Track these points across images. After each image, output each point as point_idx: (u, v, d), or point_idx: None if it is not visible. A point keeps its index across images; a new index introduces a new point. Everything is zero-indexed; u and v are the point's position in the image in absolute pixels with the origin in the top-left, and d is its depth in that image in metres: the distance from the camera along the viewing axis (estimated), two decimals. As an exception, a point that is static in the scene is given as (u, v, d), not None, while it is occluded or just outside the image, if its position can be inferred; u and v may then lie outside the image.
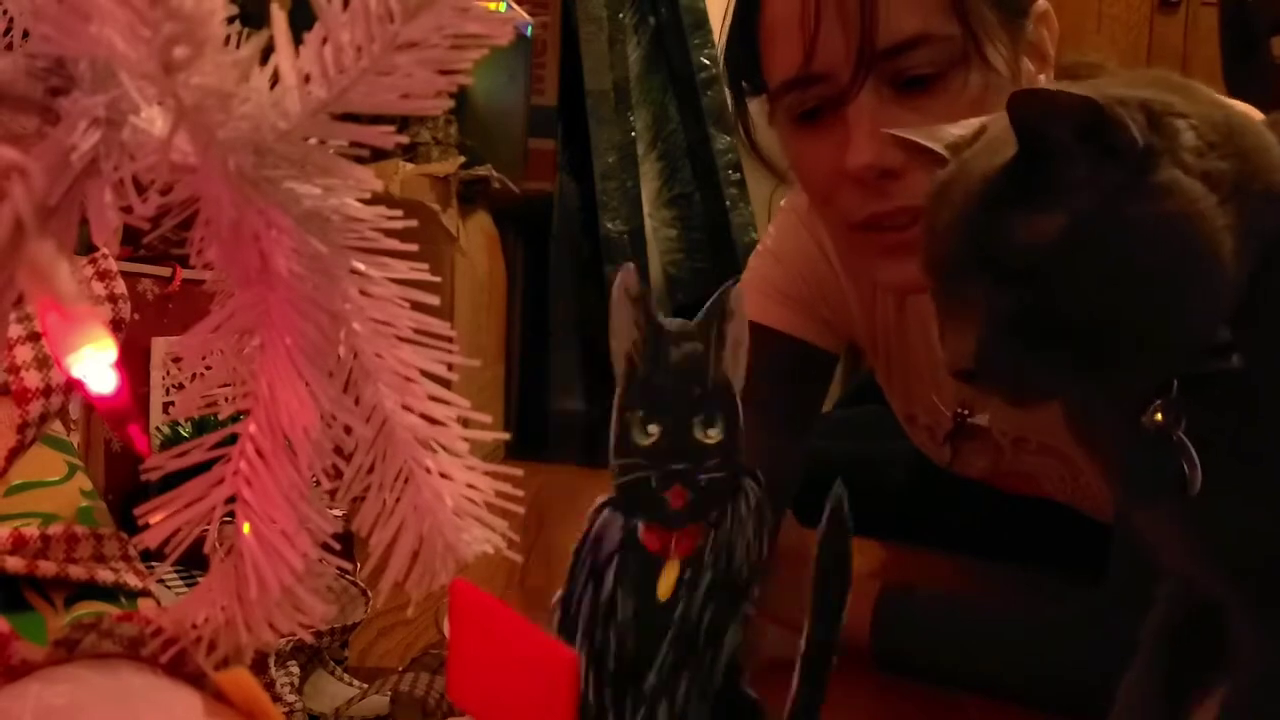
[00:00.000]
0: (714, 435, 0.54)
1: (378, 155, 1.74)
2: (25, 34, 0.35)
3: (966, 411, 1.17)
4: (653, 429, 0.52)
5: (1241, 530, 0.67)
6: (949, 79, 0.88)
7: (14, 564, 0.48)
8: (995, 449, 1.19)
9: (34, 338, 0.51)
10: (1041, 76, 0.94)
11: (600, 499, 0.50)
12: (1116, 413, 0.70)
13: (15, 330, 0.51)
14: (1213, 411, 0.66)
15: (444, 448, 0.39)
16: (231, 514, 0.38)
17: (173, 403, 1.15)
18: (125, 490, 1.10)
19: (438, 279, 0.36)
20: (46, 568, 0.49)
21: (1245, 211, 0.63)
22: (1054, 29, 0.95)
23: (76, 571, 0.50)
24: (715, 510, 0.55)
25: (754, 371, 1.19)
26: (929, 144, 0.71)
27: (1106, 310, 0.63)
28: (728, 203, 2.50)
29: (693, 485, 0.54)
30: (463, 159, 1.97)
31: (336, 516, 0.39)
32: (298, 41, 0.35)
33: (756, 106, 1.03)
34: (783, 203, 1.19)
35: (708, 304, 0.55)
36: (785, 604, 1.13)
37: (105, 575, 0.51)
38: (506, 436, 0.42)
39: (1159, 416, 0.66)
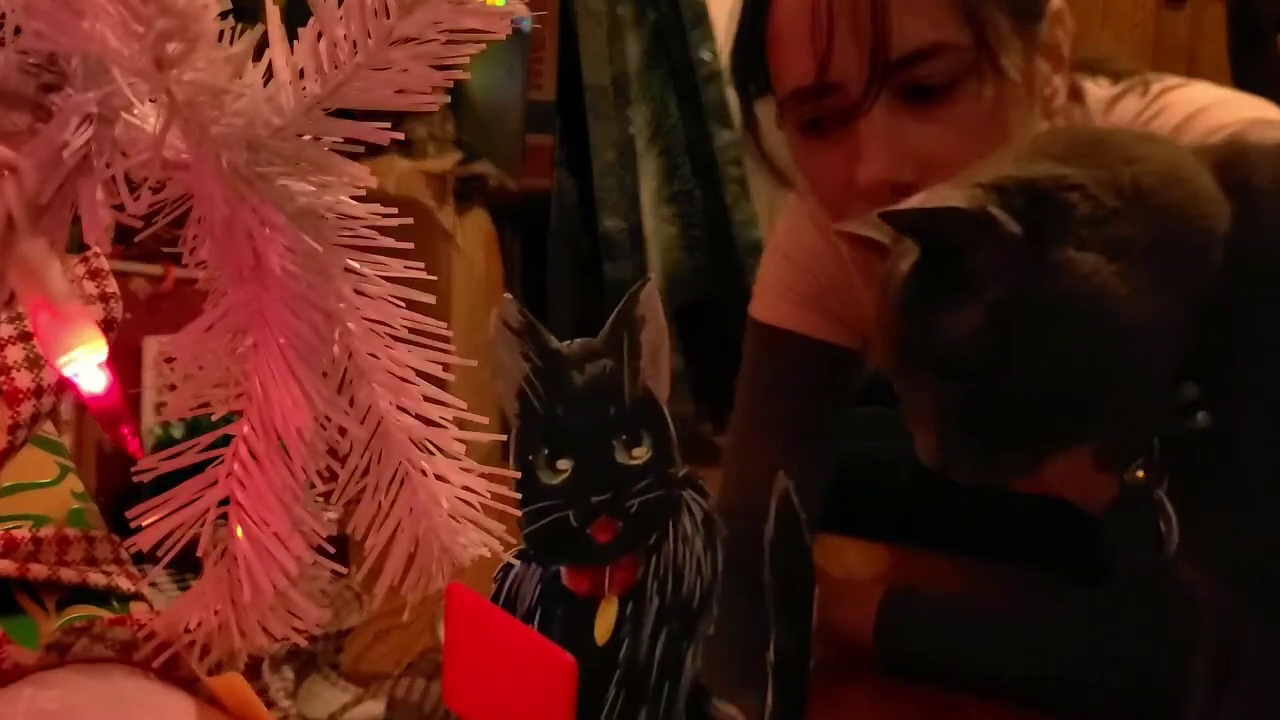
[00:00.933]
0: (640, 454, 0.51)
1: (373, 151, 1.73)
2: (17, 30, 0.35)
3: None
4: (563, 464, 0.48)
5: (1246, 545, 0.67)
6: (961, 89, 0.87)
7: (5, 567, 0.48)
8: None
9: (25, 337, 0.50)
10: (1057, 78, 0.93)
11: (507, 556, 0.45)
12: (1102, 471, 0.70)
13: (6, 330, 0.50)
14: (1193, 465, 0.66)
15: (440, 449, 0.39)
16: (225, 516, 0.38)
17: (165, 403, 1.14)
18: (117, 492, 1.09)
19: (433, 278, 0.35)
20: (38, 571, 0.48)
21: (1173, 266, 0.63)
22: (1069, 29, 0.94)
23: (68, 574, 0.49)
24: (653, 534, 0.51)
25: (774, 378, 1.20)
26: (872, 234, 0.71)
27: (1036, 392, 0.64)
28: (729, 200, 2.49)
29: (621, 514, 0.50)
30: (459, 155, 1.96)
31: (331, 519, 0.38)
32: (292, 37, 0.34)
33: (763, 108, 1.02)
34: (790, 197, 1.18)
35: (614, 313, 0.51)
36: (830, 624, 1.12)
37: (97, 578, 0.50)
38: (503, 438, 0.41)
39: (1141, 474, 0.67)
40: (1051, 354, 0.63)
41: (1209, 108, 0.94)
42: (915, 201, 0.67)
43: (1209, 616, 0.76)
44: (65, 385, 0.50)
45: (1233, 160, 0.68)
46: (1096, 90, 1.01)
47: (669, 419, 0.52)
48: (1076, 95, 0.99)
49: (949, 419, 0.66)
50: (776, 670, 0.56)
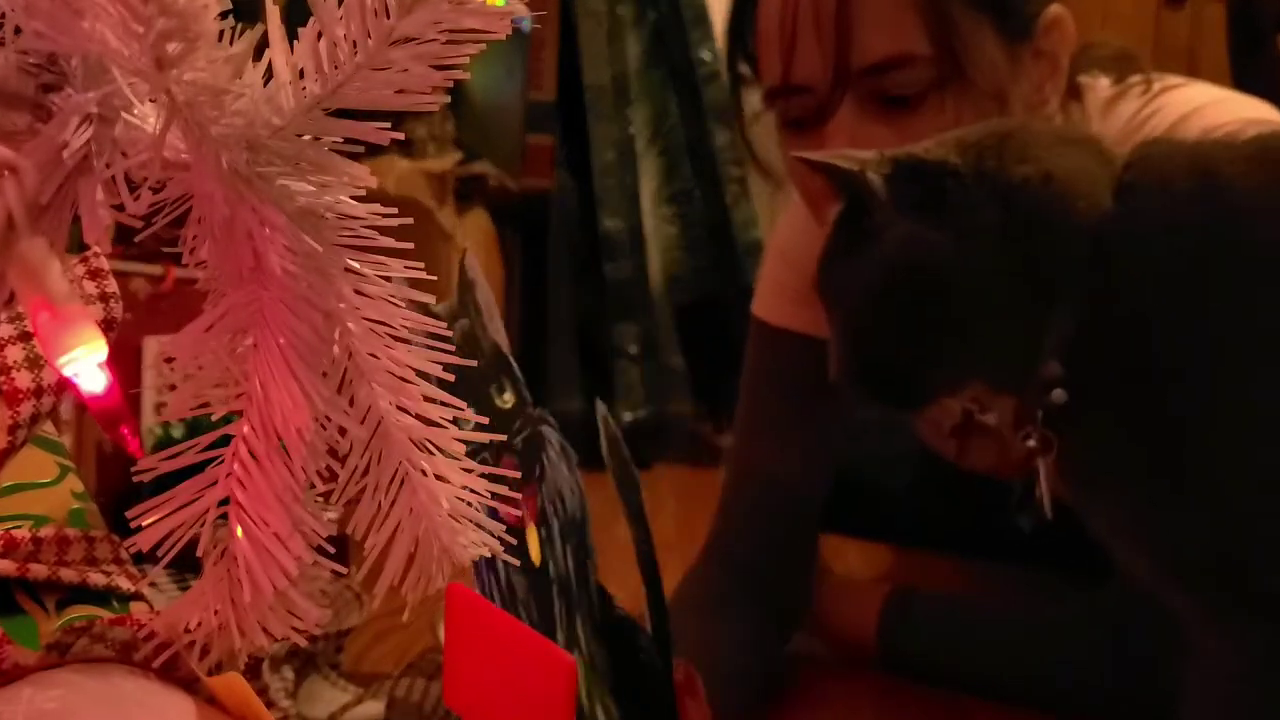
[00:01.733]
0: (509, 399, 0.57)
1: (373, 151, 1.73)
2: (17, 30, 0.35)
3: (975, 408, 1.16)
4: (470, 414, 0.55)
5: (1184, 543, 0.70)
6: (928, 100, 0.87)
7: (5, 566, 0.48)
8: (1000, 441, 1.18)
9: (25, 337, 0.50)
10: (1049, 85, 0.93)
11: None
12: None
13: (6, 330, 0.50)
14: (1082, 448, 0.75)
15: (440, 449, 0.39)
16: (225, 516, 0.38)
17: (165, 403, 1.14)
18: (117, 492, 1.09)
19: (434, 278, 0.35)
20: (38, 570, 0.48)
21: (1029, 255, 0.71)
22: (1068, 36, 0.93)
23: (68, 574, 0.49)
24: (535, 467, 0.57)
25: (776, 376, 1.22)
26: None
27: (893, 339, 0.74)
28: (729, 199, 2.49)
29: (515, 452, 0.55)
30: (459, 155, 1.96)
31: (331, 519, 0.38)
32: (292, 37, 0.34)
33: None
34: (792, 196, 1.18)
35: (457, 281, 0.56)
36: (831, 623, 1.13)
37: (97, 578, 0.50)
38: (503, 438, 0.41)
39: (1031, 443, 0.75)
40: (894, 309, 0.73)
41: (1204, 107, 0.94)
42: (820, 154, 0.76)
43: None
44: (65, 385, 0.50)
45: (1135, 160, 0.74)
46: (1096, 90, 1.00)
47: (515, 366, 0.58)
48: (1075, 94, 0.98)
49: (845, 344, 0.76)
50: (640, 561, 0.63)
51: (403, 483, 0.39)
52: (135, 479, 0.38)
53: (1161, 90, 0.98)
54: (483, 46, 0.34)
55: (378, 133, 0.35)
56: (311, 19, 0.34)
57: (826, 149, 0.89)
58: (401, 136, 0.35)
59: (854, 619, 1.10)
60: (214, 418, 0.38)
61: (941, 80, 0.86)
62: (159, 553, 0.37)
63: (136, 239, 0.37)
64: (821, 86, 0.88)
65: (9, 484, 0.51)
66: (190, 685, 0.46)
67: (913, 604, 1.09)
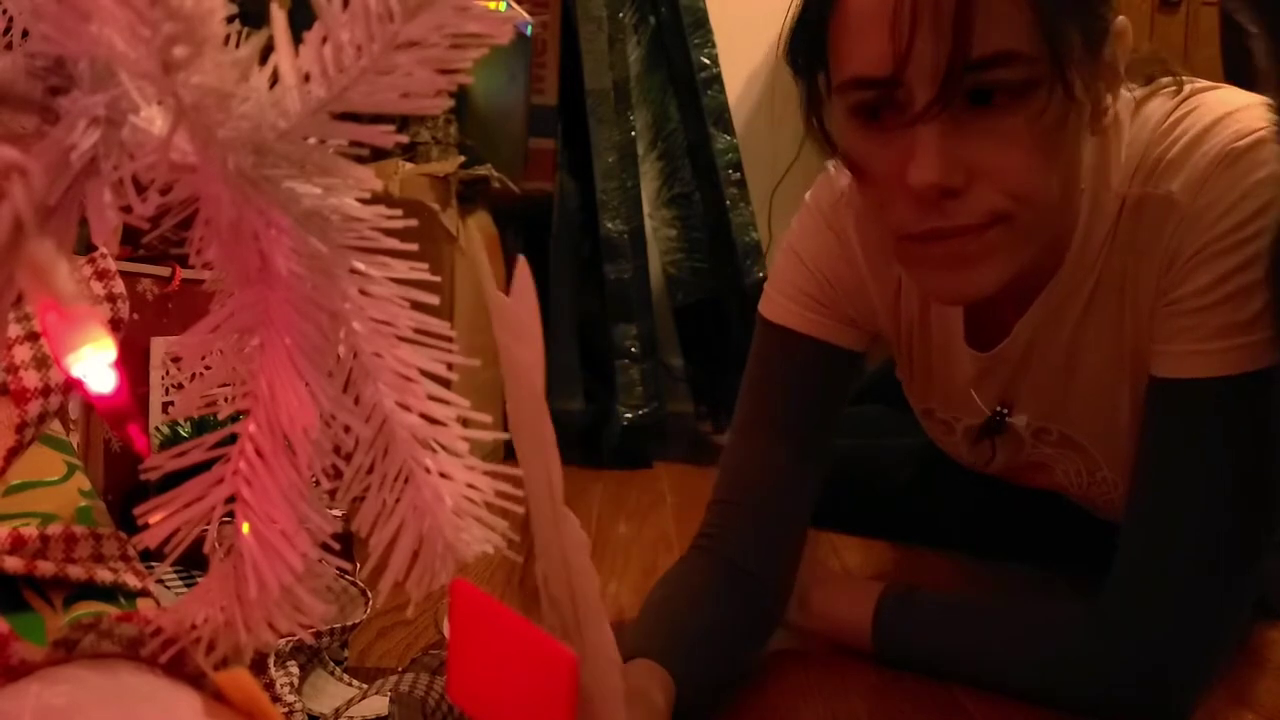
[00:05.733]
0: None
1: (377, 155, 1.74)
2: (25, 33, 0.35)
3: (1006, 410, 1.16)
4: None
5: None
6: (1025, 101, 0.85)
7: (13, 564, 0.48)
8: (1016, 441, 1.18)
9: (32, 337, 0.51)
10: (1109, 95, 0.93)
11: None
12: None
13: (13, 330, 0.51)
14: None
15: (444, 447, 0.39)
16: (231, 514, 0.38)
17: (172, 402, 1.15)
18: (124, 490, 1.10)
19: (437, 278, 0.36)
20: (45, 568, 0.49)
21: None
22: (1127, 46, 0.93)
23: (75, 571, 0.50)
24: None
25: (780, 377, 1.22)
26: None
27: None
28: (728, 202, 2.49)
29: None
30: (462, 159, 1.96)
31: (336, 516, 0.39)
32: (297, 41, 0.35)
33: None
34: (806, 197, 1.17)
35: None
36: (828, 619, 1.14)
37: (104, 575, 0.51)
38: (506, 436, 0.42)
39: None
40: None
41: (1239, 111, 0.94)
42: None
43: None
44: (73, 384, 0.51)
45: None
46: (1124, 91, 1.00)
47: None
48: None
49: None
50: None
51: (407, 480, 0.39)
52: (142, 477, 0.39)
53: (1192, 93, 0.98)
54: (486, 51, 0.35)
55: (382, 136, 0.35)
56: (317, 23, 0.34)
57: (916, 147, 0.86)
58: (406, 140, 0.35)
59: (851, 615, 1.11)
60: (220, 416, 0.39)
61: (1039, 81, 0.84)
62: (165, 550, 0.38)
63: (144, 240, 0.37)
64: (925, 82, 0.84)
65: (17, 482, 0.52)
66: (197, 681, 0.47)
67: (909, 602, 1.10)
